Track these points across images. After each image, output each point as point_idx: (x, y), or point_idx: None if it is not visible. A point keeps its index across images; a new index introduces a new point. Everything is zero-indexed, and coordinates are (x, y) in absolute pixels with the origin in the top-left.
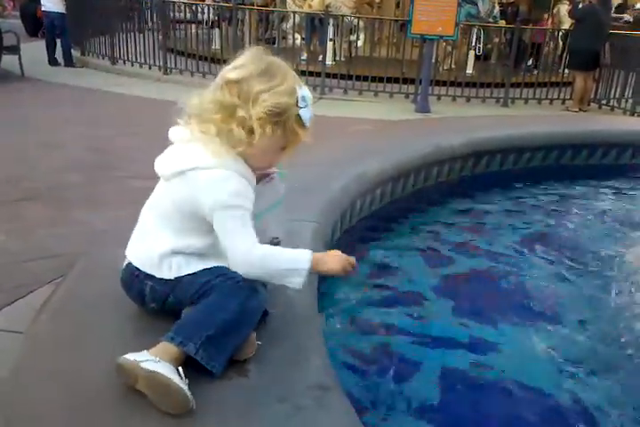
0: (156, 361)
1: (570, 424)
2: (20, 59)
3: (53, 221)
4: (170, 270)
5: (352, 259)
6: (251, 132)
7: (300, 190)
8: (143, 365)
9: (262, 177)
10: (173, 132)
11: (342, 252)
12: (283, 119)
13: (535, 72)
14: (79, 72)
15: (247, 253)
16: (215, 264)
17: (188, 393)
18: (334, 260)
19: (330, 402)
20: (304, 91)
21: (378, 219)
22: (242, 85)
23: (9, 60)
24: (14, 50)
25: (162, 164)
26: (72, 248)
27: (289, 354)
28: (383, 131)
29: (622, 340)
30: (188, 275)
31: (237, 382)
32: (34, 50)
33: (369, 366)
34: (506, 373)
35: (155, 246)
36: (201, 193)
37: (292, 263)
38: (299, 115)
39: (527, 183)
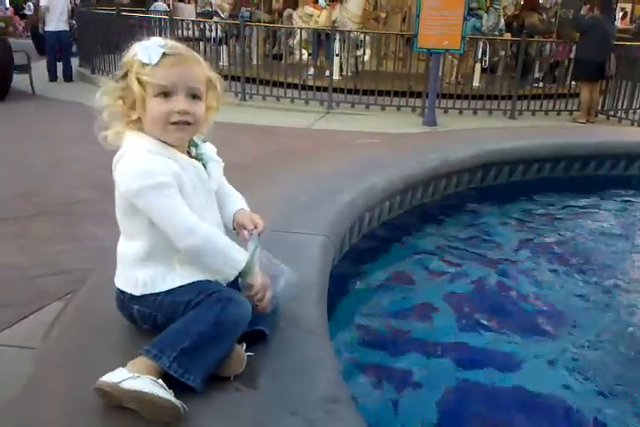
0: (134, 378)
1: None
2: (30, 77)
3: (65, 236)
4: (136, 285)
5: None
6: (124, 100)
7: (309, 204)
8: (123, 385)
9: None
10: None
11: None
12: (129, 71)
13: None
14: (89, 90)
15: (189, 230)
16: (187, 275)
17: (176, 403)
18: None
19: (342, 415)
20: (148, 41)
21: (386, 232)
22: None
23: (20, 79)
24: (25, 69)
25: None
26: (83, 264)
27: (299, 367)
28: (391, 144)
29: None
30: (167, 293)
31: (248, 394)
32: (44, 69)
33: (380, 378)
34: (521, 386)
35: (120, 260)
36: (121, 180)
37: (231, 250)
38: (139, 59)
39: (536, 195)
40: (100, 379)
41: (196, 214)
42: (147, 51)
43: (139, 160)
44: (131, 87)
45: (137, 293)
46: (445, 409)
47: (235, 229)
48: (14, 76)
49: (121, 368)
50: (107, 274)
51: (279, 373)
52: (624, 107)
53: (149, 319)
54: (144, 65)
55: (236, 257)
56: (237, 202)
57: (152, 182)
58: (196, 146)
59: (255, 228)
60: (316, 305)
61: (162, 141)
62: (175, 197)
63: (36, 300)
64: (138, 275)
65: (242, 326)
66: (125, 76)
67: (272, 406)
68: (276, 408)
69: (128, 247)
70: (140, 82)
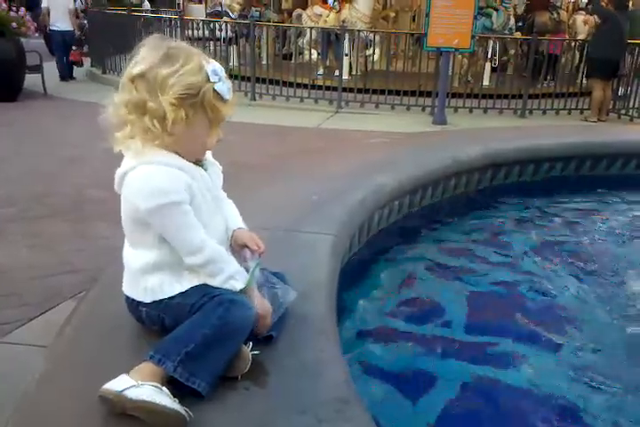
0: (137, 386)
1: None
2: (42, 77)
3: (76, 236)
4: (145, 293)
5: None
6: (165, 120)
7: (318, 203)
8: (126, 393)
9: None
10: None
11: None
12: (198, 99)
13: (552, 83)
14: (100, 90)
15: (197, 249)
16: (195, 280)
17: (181, 410)
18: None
19: (351, 415)
20: (213, 65)
21: (395, 231)
22: (147, 77)
23: (32, 79)
24: (37, 69)
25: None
26: (94, 263)
27: (308, 367)
28: (400, 143)
29: None
30: (173, 297)
31: (256, 393)
32: (55, 68)
33: (388, 378)
34: (531, 388)
35: (127, 268)
36: (133, 196)
37: (232, 272)
38: (215, 90)
39: (546, 194)
40: (103, 387)
41: (205, 222)
42: (224, 85)
43: (150, 176)
44: (197, 110)
45: (146, 300)
46: (454, 409)
47: (231, 246)
48: (26, 76)
49: (124, 375)
50: (118, 273)
51: (288, 372)
52: (636, 105)
53: (157, 321)
54: (221, 99)
55: (235, 277)
56: (235, 217)
57: (165, 201)
58: None
59: (258, 248)
60: (326, 305)
61: (173, 152)
62: (187, 214)
63: (48, 299)
64: (147, 283)
65: (246, 328)
66: (191, 96)
67: (281, 405)
68: (284, 407)
69: (136, 256)
70: (204, 108)
